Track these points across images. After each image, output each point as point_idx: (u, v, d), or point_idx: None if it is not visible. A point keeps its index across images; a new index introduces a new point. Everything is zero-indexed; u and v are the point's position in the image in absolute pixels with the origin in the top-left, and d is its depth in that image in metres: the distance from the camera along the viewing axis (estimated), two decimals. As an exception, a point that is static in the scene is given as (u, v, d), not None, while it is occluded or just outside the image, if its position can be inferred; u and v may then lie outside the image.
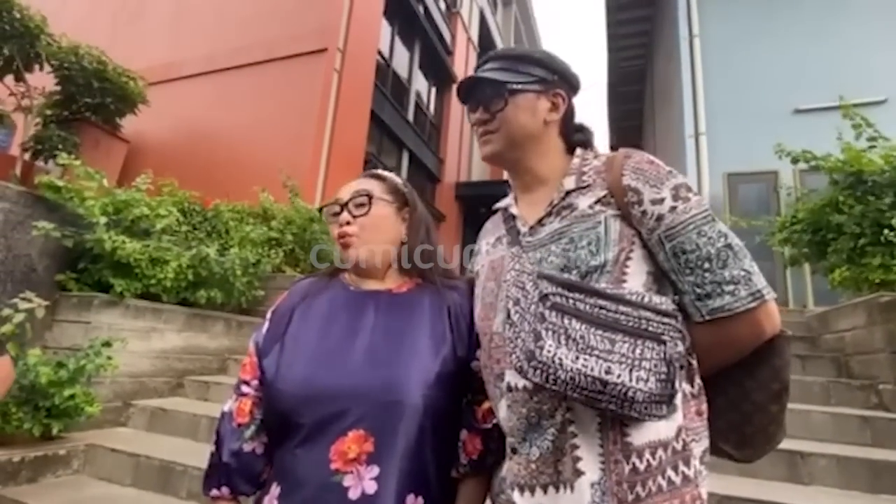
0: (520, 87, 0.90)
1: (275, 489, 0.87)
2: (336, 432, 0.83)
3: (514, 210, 0.94)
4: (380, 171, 1.12)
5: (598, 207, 0.82)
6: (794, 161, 4.36)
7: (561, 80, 0.94)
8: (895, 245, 3.27)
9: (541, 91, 0.92)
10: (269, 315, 1.03)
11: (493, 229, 1.02)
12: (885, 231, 3.32)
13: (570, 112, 0.96)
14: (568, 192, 0.87)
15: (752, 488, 2.06)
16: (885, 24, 6.76)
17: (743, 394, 0.79)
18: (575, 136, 0.96)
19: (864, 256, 3.46)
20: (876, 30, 6.78)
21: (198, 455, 2.65)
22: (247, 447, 0.94)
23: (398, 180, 1.10)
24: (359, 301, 0.98)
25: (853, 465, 2.21)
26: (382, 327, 0.93)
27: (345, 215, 0.99)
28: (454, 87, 11.59)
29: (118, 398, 3.31)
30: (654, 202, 0.79)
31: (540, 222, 0.88)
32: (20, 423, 2.58)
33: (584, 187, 0.86)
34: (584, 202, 0.84)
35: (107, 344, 2.94)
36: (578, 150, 0.94)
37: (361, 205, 0.99)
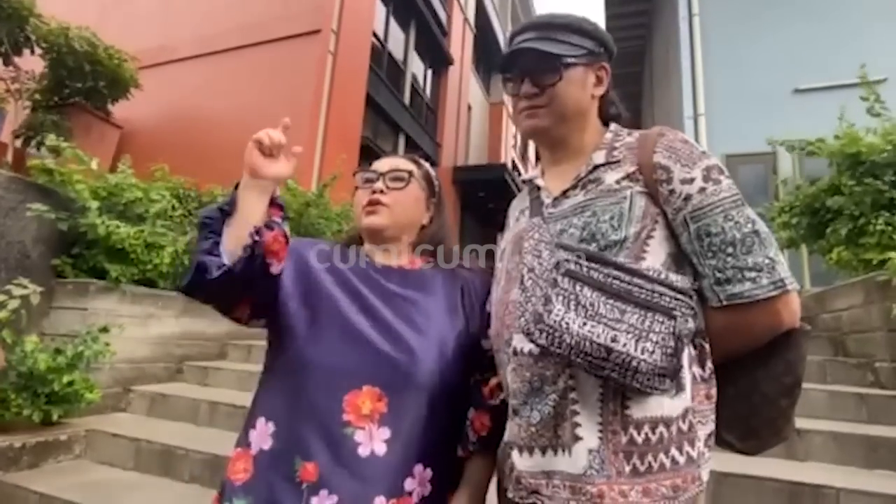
0: (573, 60, 0.87)
1: (265, 425, 0.86)
2: (352, 385, 0.84)
3: (539, 182, 0.93)
4: (417, 157, 1.13)
5: (625, 183, 0.81)
6: (790, 149, 4.35)
7: (605, 53, 0.92)
8: (892, 229, 3.28)
9: (588, 64, 0.89)
10: (299, 239, 1.01)
11: (519, 203, 1.01)
12: (878, 219, 3.32)
13: (610, 85, 0.94)
14: (596, 167, 0.86)
15: (749, 465, 2.08)
16: (885, 3, 6.67)
17: (753, 385, 0.78)
18: (610, 110, 0.95)
19: (863, 236, 3.46)
20: (876, 9, 6.69)
21: (199, 439, 2.67)
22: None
23: (432, 171, 1.12)
24: (377, 275, 0.99)
25: (849, 440, 2.24)
26: (399, 301, 0.94)
27: (380, 184, 1.00)
28: (450, 68, 11.39)
29: (118, 384, 3.31)
30: (683, 181, 0.78)
31: (564, 194, 0.87)
32: (20, 410, 2.58)
33: (613, 162, 0.85)
34: (611, 177, 0.83)
35: (104, 330, 2.93)
36: (613, 126, 0.93)
37: (400, 179, 1.01)
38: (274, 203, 0.89)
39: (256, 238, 0.82)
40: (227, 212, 0.85)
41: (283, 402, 0.87)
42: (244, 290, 0.86)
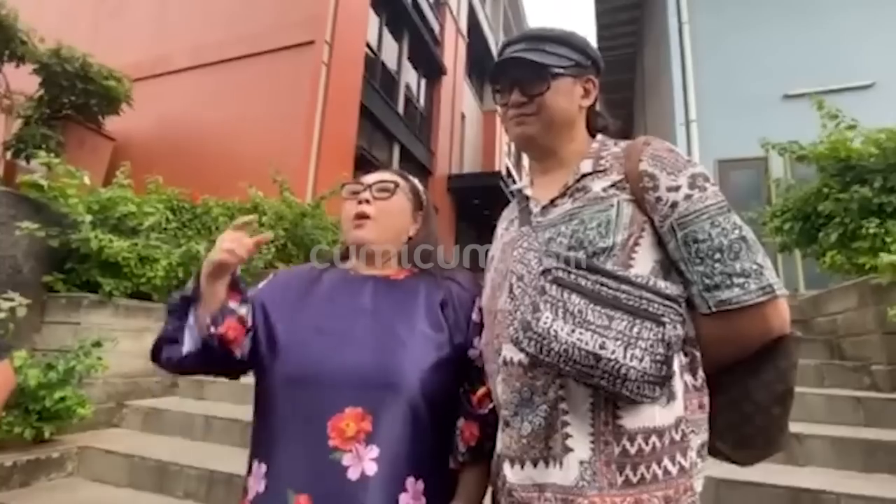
0: (561, 71, 0.89)
1: (258, 468, 0.86)
2: (334, 408, 0.83)
3: (527, 191, 0.94)
4: (404, 173, 1.15)
5: (611, 191, 0.82)
6: (781, 153, 4.39)
7: (593, 66, 0.94)
8: (881, 234, 3.31)
9: (576, 76, 0.91)
10: (270, 277, 1.06)
11: (508, 213, 1.02)
12: (868, 221, 3.35)
13: (597, 98, 0.96)
14: (583, 175, 0.87)
15: (749, 471, 2.06)
16: (872, 8, 6.78)
17: (744, 393, 0.77)
18: (598, 122, 0.97)
19: (855, 241, 3.49)
20: (863, 15, 6.80)
21: (194, 454, 2.63)
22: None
23: (420, 186, 1.13)
24: (358, 284, 0.99)
25: (847, 445, 2.24)
26: (380, 311, 0.94)
27: (366, 194, 1.01)
28: (443, 78, 11.45)
29: (111, 399, 3.27)
30: (669, 189, 0.78)
31: (552, 203, 0.88)
32: (10, 428, 2.54)
33: (600, 171, 0.86)
34: (598, 185, 0.84)
35: (97, 344, 2.90)
36: (599, 136, 0.94)
37: (385, 190, 1.03)
38: (235, 286, 0.90)
39: (212, 330, 0.85)
40: (191, 297, 0.89)
41: (270, 439, 0.86)
42: (216, 366, 0.92)
